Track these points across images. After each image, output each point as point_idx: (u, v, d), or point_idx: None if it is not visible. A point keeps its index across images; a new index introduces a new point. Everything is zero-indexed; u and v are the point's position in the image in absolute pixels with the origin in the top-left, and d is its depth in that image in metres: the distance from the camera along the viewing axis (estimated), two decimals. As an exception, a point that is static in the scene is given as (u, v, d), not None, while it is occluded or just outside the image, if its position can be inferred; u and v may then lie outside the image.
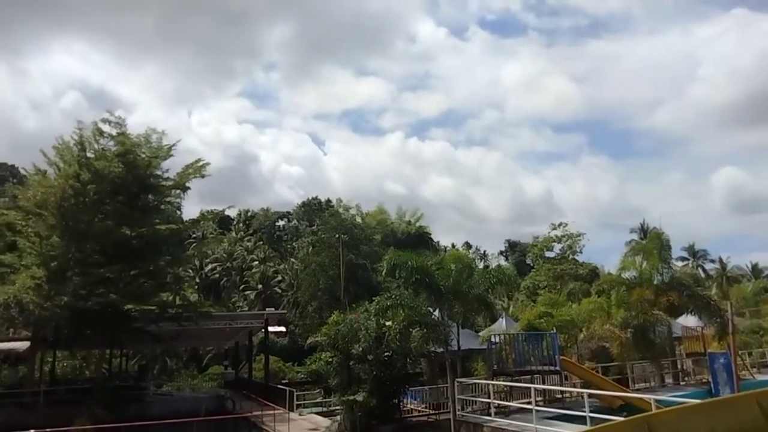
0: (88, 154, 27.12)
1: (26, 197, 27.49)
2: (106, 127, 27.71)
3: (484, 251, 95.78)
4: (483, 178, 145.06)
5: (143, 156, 28.08)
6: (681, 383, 24.75)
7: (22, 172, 36.07)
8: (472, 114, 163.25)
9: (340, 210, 59.35)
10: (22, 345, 30.14)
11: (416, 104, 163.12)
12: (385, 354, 16.97)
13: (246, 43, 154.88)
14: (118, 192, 27.04)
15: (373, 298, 18.83)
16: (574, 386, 20.85)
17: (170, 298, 32.10)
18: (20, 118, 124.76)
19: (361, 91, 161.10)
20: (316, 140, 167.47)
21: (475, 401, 16.61)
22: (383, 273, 17.84)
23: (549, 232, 56.06)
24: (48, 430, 16.99)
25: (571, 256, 53.92)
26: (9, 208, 30.12)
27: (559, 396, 18.88)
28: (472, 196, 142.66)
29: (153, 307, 26.14)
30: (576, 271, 49.47)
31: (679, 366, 26.67)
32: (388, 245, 41.17)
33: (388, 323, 17.24)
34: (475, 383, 18.17)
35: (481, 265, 66.23)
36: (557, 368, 18.09)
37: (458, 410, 15.38)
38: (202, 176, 30.52)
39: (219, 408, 26.70)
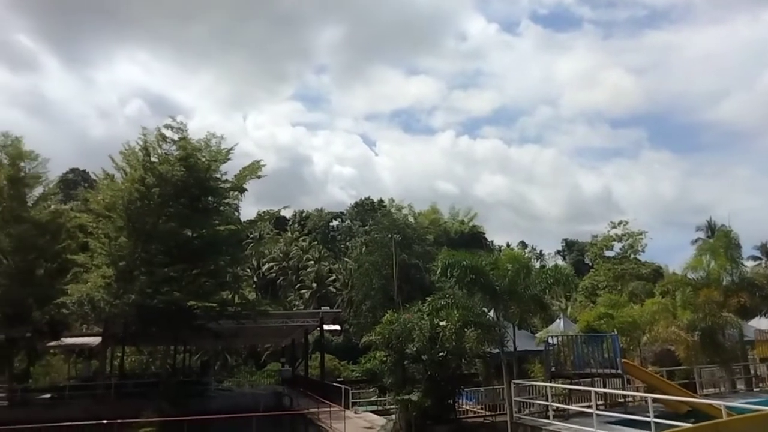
0: (153, 159, 28.38)
1: (96, 200, 29.08)
2: (168, 133, 28.91)
3: (540, 251, 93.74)
4: (537, 175, 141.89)
5: (203, 159, 29.10)
6: (754, 389, 23.34)
7: (93, 176, 38.17)
8: (525, 111, 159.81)
9: (393, 210, 59.59)
10: (95, 340, 31.93)
11: (467, 102, 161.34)
12: (440, 354, 16.88)
13: (297, 46, 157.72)
14: (180, 194, 28.14)
15: (427, 298, 18.77)
16: (637, 390, 20.07)
17: (230, 296, 33.13)
18: (89, 126, 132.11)
19: (411, 91, 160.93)
20: (367, 141, 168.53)
21: (533, 404, 16.27)
22: (436, 273, 17.74)
23: (608, 231, 54.30)
24: (118, 421, 17.84)
25: (632, 256, 51.99)
26: (81, 210, 31.98)
27: (621, 400, 18.21)
28: (527, 194, 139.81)
29: (214, 305, 27.06)
30: (638, 270, 47.55)
31: (752, 371, 25.20)
32: (441, 245, 40.93)
33: (442, 323, 17.13)
34: (532, 385, 17.80)
35: (537, 265, 64.89)
36: (619, 371, 17.47)
37: (515, 412, 15.12)
38: (258, 177, 31.39)
39: (277, 404, 27.35)
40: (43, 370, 40.43)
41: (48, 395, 29.90)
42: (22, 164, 29.34)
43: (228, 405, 26.82)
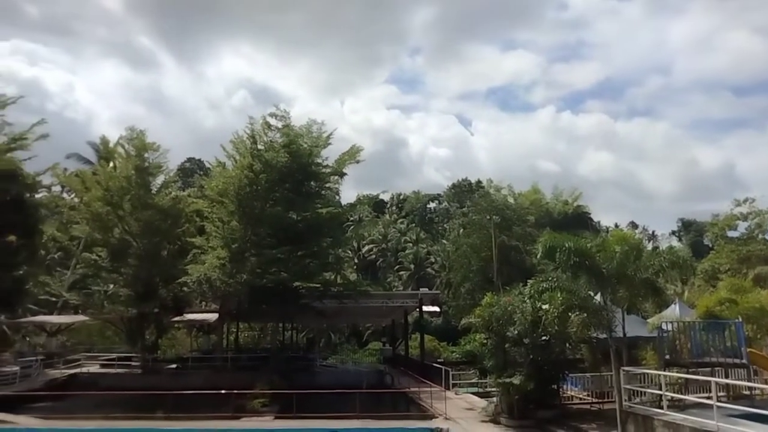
0: (259, 146, 29.91)
1: (210, 187, 31.25)
2: (273, 121, 30.31)
3: (653, 231, 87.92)
4: (648, 151, 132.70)
5: (305, 146, 30.20)
6: None
7: (207, 164, 41.02)
8: (633, 81, 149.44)
9: (491, 191, 58.28)
10: (212, 316, 34.59)
11: (569, 75, 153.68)
12: (542, 338, 16.42)
13: (391, 29, 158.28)
14: (285, 180, 29.47)
15: (528, 281, 18.27)
16: (767, 383, 18.33)
17: (332, 277, 34.34)
18: (201, 118, 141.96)
19: (507, 67, 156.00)
20: (463, 121, 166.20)
21: (644, 392, 15.38)
22: (538, 255, 17.12)
23: (732, 209, 49.40)
24: (235, 391, 19.24)
25: (760, 236, 47.07)
26: (198, 197, 34.54)
27: (747, 392, 16.72)
28: (636, 171, 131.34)
29: (317, 285, 28.22)
30: (766, 253, 43.04)
31: None
32: (543, 226, 39.58)
33: (544, 307, 16.61)
34: (643, 373, 16.82)
35: (649, 247, 60.83)
36: (744, 361, 16.03)
37: (624, 400, 14.39)
38: (357, 162, 32.08)
39: (379, 382, 28.08)
40: (169, 343, 44.46)
41: (174, 365, 32.96)
42: (146, 155, 32.10)
43: (332, 381, 27.94)
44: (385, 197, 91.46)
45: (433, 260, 67.01)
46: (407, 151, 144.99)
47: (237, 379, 24.77)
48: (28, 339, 43.14)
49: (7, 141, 28.61)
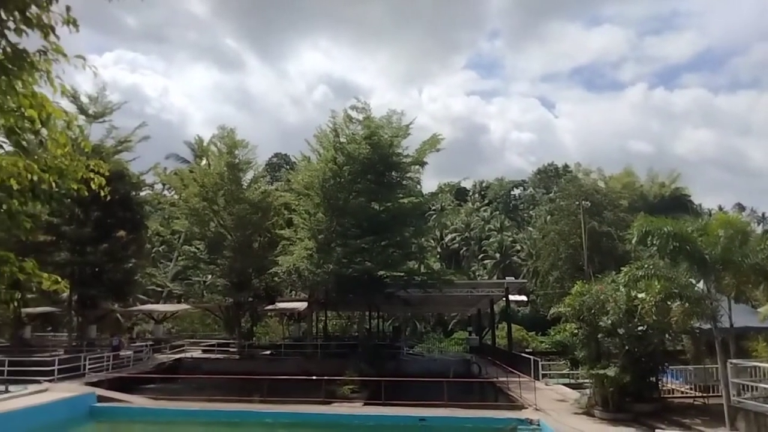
0: (341, 139, 30.50)
1: (297, 180, 32.34)
2: (353, 113, 30.76)
3: (763, 213, 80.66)
4: (755, 125, 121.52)
5: (386, 136, 30.42)
6: None
7: (293, 159, 42.47)
8: (736, 51, 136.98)
9: (579, 175, 55.96)
10: (302, 305, 35.91)
11: (662, 49, 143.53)
12: (639, 328, 15.59)
13: (469, 14, 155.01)
14: (367, 171, 29.88)
15: (621, 268, 17.40)
16: None
17: (416, 266, 34.49)
18: (285, 114, 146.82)
19: (593, 44, 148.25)
20: (546, 103, 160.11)
21: (756, 387, 14.22)
22: (632, 241, 16.22)
23: None
24: (325, 377, 19.91)
25: None
26: (285, 190, 35.88)
27: None
28: (742, 148, 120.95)
29: (402, 274, 28.46)
30: None
31: None
32: (637, 210, 37.44)
33: (640, 295, 15.75)
34: (755, 366, 15.54)
35: (758, 230, 55.95)
36: None
37: (732, 395, 13.38)
38: (438, 150, 31.89)
39: (465, 371, 27.97)
40: (263, 330, 46.79)
41: (268, 351, 34.60)
42: (237, 152, 33.72)
43: (419, 369, 28.19)
44: (467, 185, 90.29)
45: (518, 248, 65.51)
46: (488, 138, 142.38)
47: (326, 365, 25.62)
48: (138, 326, 47.01)
49: (114, 144, 31.10)
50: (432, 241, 65.73)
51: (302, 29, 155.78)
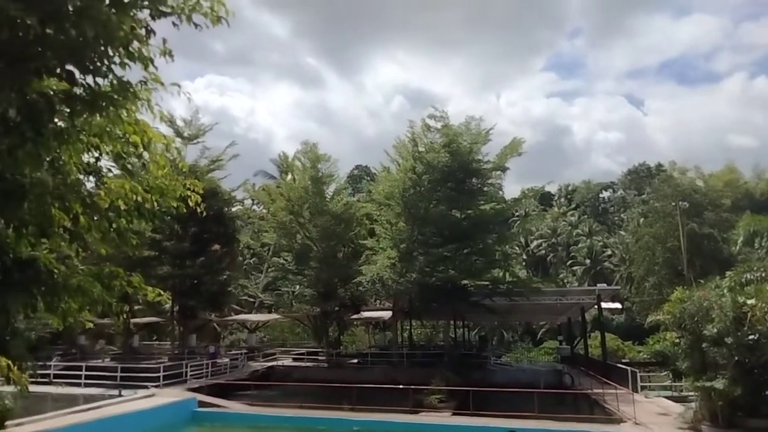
0: (420, 149, 30.62)
1: (377, 191, 32.81)
2: (431, 122, 30.80)
3: None
4: None
5: (465, 143, 30.19)
6: None
7: (373, 170, 43.16)
8: None
9: (675, 174, 52.55)
10: (386, 314, 36.21)
11: (761, 35, 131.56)
12: (749, 337, 14.34)
13: (547, 14, 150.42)
14: (446, 179, 29.77)
15: (726, 272, 16.12)
16: None
17: (500, 274, 33.78)
18: (363, 126, 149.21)
19: (682, 35, 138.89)
20: (633, 101, 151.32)
21: None
22: (738, 242, 15.02)
23: None
24: (412, 386, 19.92)
25: None
26: (366, 201, 36.52)
27: None
28: None
29: (486, 283, 27.98)
30: None
31: None
32: (742, 210, 34.60)
33: (749, 301, 14.51)
34: None
35: None
36: None
37: None
38: (519, 155, 31.23)
39: (557, 382, 26.95)
40: (350, 339, 47.59)
41: (355, 360, 35.15)
42: (320, 166, 34.78)
43: (507, 379, 27.50)
44: (552, 189, 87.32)
45: (610, 253, 62.40)
46: (572, 139, 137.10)
47: (413, 374, 25.62)
48: (233, 335, 49.42)
49: (208, 163, 33.08)
50: (517, 248, 64.11)
51: (377, 42, 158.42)
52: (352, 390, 20.36)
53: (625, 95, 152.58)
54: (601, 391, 21.45)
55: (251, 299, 50.21)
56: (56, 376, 24.79)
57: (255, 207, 51.19)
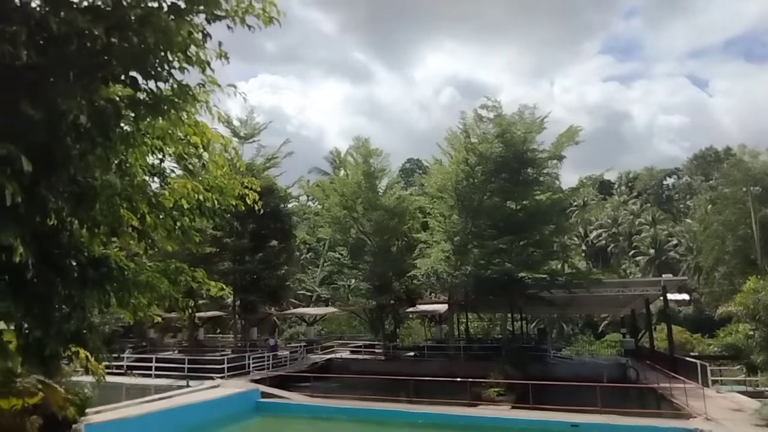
0: (473, 140, 30.25)
1: (430, 184, 32.68)
2: (483, 113, 30.33)
3: None
4: None
5: (519, 133, 29.59)
6: None
7: (425, 163, 43.00)
8: None
9: (745, 158, 49.52)
10: (442, 307, 36.10)
11: None
12: (833, 329, 13.47)
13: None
14: (500, 170, 29.29)
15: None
16: None
17: (559, 266, 33.02)
18: (413, 120, 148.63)
19: (749, 9, 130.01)
20: (697, 82, 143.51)
21: None
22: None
23: None
24: (470, 379, 19.80)
25: None
26: (419, 194, 36.47)
27: None
28: None
29: (544, 276, 27.40)
30: None
31: None
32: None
33: (834, 291, 13.60)
34: None
35: None
36: None
37: None
38: (576, 143, 30.35)
39: (620, 376, 26.11)
40: (406, 332, 47.76)
41: (411, 353, 35.27)
42: (372, 161, 34.98)
43: (568, 373, 26.87)
44: (611, 177, 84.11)
45: (675, 242, 59.76)
46: (631, 125, 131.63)
47: (470, 367, 25.43)
48: (292, 328, 50.63)
49: (263, 161, 33.91)
50: (575, 239, 62.43)
51: (425, 33, 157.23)
52: (409, 382, 20.45)
53: (688, 76, 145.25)
54: (668, 385, 20.61)
55: (308, 293, 51.25)
56: (129, 367, 26.15)
57: (310, 203, 52.16)
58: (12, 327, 4.82)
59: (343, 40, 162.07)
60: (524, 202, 30.06)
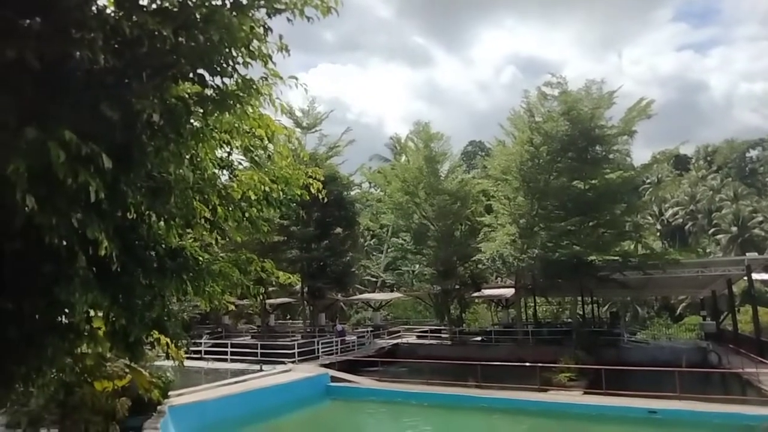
0: (537, 119, 29.39)
1: (493, 166, 32.12)
2: (548, 90, 29.36)
3: None
4: None
5: (586, 109, 28.46)
6: None
7: (487, 145, 42.28)
8: None
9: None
10: (509, 291, 35.58)
11: None
12: None
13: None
14: (567, 149, 28.35)
15: None
16: None
17: (632, 246, 31.71)
18: (473, 101, 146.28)
19: None
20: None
21: None
22: None
23: None
24: (539, 364, 19.45)
25: None
26: (482, 177, 35.90)
27: None
28: None
29: (615, 257, 26.39)
30: None
31: None
32: None
33: None
34: None
35: None
36: None
37: None
38: (648, 117, 28.89)
39: (701, 360, 24.85)
40: (472, 317, 47.46)
41: (478, 338, 35.05)
42: (432, 145, 34.70)
43: (643, 357, 25.90)
44: (688, 151, 79.51)
45: (761, 219, 55.88)
46: (708, 95, 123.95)
47: (539, 352, 25.00)
48: (358, 314, 51.50)
49: (326, 150, 34.40)
50: (649, 218, 59.65)
51: (484, 12, 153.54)
52: (477, 367, 20.35)
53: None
54: (754, 370, 19.45)
55: (373, 279, 51.85)
56: (206, 352, 27.51)
57: (372, 190, 52.49)
58: (100, 314, 5.17)
59: (401, 25, 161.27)
60: (593, 181, 28.95)
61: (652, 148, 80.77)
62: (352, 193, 38.15)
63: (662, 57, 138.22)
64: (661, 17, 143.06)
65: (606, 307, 49.64)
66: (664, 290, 43.82)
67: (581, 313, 34.60)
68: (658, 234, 60.28)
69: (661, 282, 31.90)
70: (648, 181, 57.25)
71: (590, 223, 28.45)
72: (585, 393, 18.13)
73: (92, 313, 5.18)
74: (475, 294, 37.67)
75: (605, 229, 28.95)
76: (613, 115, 29.20)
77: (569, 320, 36.75)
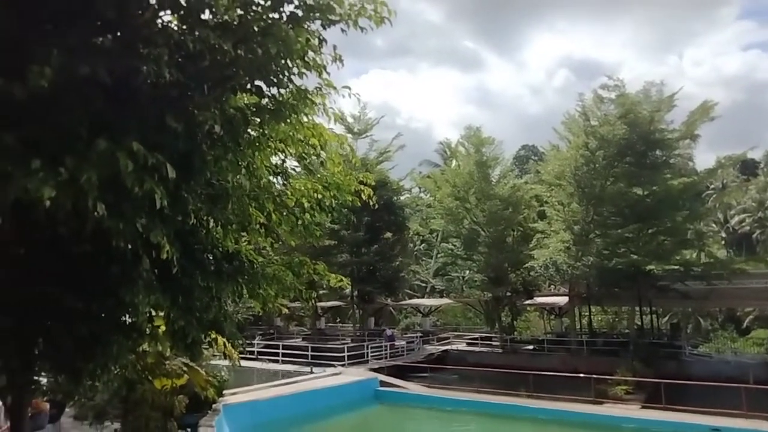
0: (592, 123, 28.64)
1: (546, 171, 31.49)
2: (604, 93, 28.59)
3: None
4: None
5: (644, 112, 27.54)
6: None
7: (540, 149, 41.47)
8: None
9: None
10: (562, 300, 34.68)
11: None
12: None
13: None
14: (624, 153, 27.49)
15: None
16: None
17: (694, 255, 30.33)
18: (525, 105, 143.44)
19: None
20: None
21: None
22: None
23: None
24: (594, 376, 18.85)
25: None
26: (534, 182, 35.25)
27: None
28: None
29: (676, 266, 25.33)
30: None
31: None
32: None
33: None
34: None
35: None
36: None
37: None
38: (712, 119, 27.71)
39: (770, 377, 23.43)
40: (524, 325, 46.55)
41: (530, 346, 34.32)
42: (484, 150, 34.36)
43: (706, 372, 24.68)
44: (756, 155, 75.14)
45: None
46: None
47: (594, 363, 24.25)
48: (407, 318, 51.44)
49: (376, 156, 34.66)
50: (713, 225, 56.83)
51: (536, 14, 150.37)
52: (528, 376, 19.93)
53: None
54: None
55: (423, 284, 51.64)
56: (259, 353, 28.16)
57: (422, 195, 52.41)
58: (161, 314, 5.42)
59: (451, 29, 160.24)
60: (653, 187, 27.91)
61: (717, 152, 77.21)
62: (402, 198, 38.22)
63: (727, 57, 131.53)
64: (725, 15, 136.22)
65: (666, 318, 47.57)
66: (730, 301, 41.60)
67: (639, 323, 33.32)
68: (723, 242, 57.37)
69: (726, 293, 30.33)
70: (712, 186, 54.66)
71: (649, 231, 27.45)
72: (643, 407, 17.45)
73: (154, 313, 5.44)
74: (527, 301, 36.92)
75: (665, 237, 27.84)
76: (674, 118, 28.19)
77: (626, 331, 35.44)
